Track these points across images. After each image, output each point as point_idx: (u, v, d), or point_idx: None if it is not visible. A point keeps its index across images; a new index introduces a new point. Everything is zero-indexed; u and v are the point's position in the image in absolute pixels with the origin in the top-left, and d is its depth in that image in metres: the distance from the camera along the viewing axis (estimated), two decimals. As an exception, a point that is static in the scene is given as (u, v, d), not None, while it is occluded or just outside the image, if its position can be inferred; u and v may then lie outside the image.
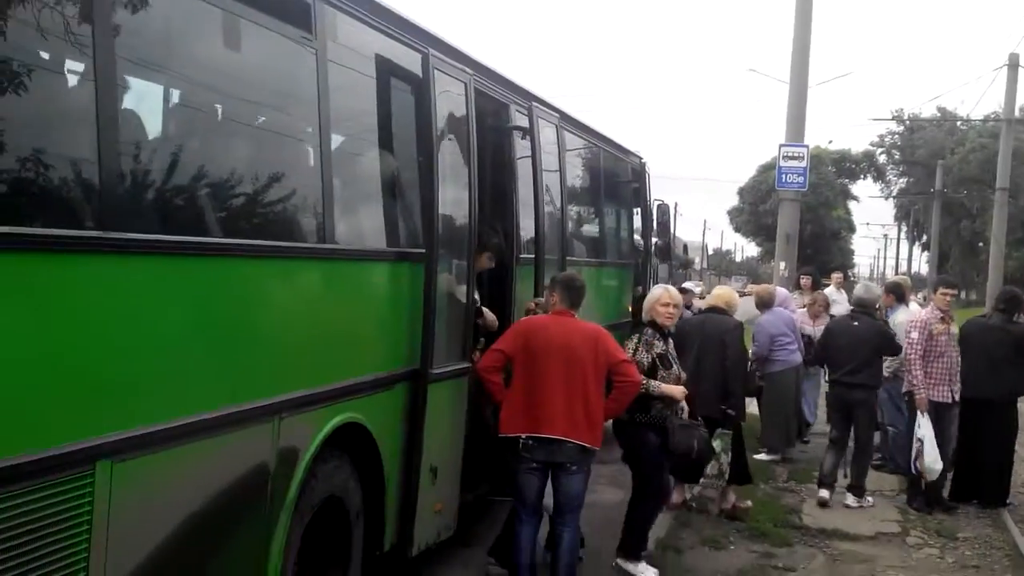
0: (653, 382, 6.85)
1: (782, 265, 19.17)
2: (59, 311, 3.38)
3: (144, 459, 3.73)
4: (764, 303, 11.12)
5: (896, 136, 61.04)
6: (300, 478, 4.85)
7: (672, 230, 14.41)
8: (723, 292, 9.08)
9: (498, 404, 6.38)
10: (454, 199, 6.58)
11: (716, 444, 8.08)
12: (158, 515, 3.91)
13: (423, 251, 6.03)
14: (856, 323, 9.61)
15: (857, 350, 9.37)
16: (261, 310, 4.59)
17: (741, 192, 61.26)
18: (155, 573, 3.86)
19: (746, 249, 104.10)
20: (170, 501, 3.97)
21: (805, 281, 13.52)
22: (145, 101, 4.10)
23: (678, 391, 7.08)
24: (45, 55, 3.47)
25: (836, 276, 14.65)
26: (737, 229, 65.40)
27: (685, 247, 22.12)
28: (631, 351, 6.91)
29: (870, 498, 9.48)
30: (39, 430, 3.30)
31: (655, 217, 13.36)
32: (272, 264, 4.73)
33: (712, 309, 8.85)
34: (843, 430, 9.48)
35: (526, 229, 8.04)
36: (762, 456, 10.95)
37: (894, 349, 9.62)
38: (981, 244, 52.53)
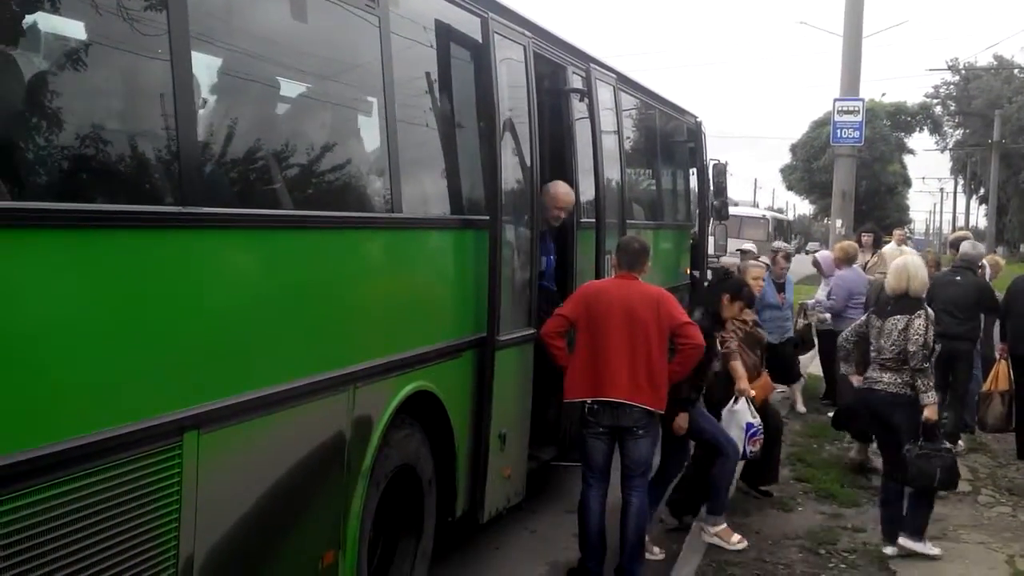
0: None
1: (838, 223, 18.93)
2: (143, 287, 3.44)
3: (229, 430, 3.80)
4: (847, 259, 11.22)
5: (952, 87, 59.84)
6: (375, 446, 4.90)
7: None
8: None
9: (563, 369, 6.38)
10: (516, 164, 6.56)
11: None
12: (243, 484, 3.97)
13: (487, 218, 6.03)
14: (958, 278, 9.65)
15: (959, 304, 9.36)
16: (334, 281, 4.62)
17: (794, 149, 60.57)
18: (241, 541, 3.94)
19: (799, 207, 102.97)
20: (254, 471, 4.04)
21: (866, 239, 13.32)
22: (213, 76, 4.12)
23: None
24: (117, 31, 3.49)
25: (898, 233, 14.41)
26: (790, 187, 64.70)
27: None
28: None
29: (961, 443, 9.50)
30: (130, 403, 3.36)
31: (711, 177, 13.23)
32: (343, 235, 4.76)
33: None
34: (942, 382, 9.24)
35: (586, 193, 7.99)
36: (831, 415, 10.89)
37: (995, 306, 9.58)
38: (1041, 195, 51.50)
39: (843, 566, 6.64)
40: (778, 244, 12.45)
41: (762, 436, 7.25)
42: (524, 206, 6.61)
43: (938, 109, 60.90)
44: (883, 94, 57.24)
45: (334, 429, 4.59)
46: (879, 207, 55.52)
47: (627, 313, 6.18)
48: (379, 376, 4.92)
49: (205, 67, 3.91)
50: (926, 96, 60.79)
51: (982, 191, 63.04)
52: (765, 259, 10.75)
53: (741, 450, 7.16)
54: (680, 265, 11.79)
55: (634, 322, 6.17)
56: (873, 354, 6.98)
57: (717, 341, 6.98)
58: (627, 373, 6.13)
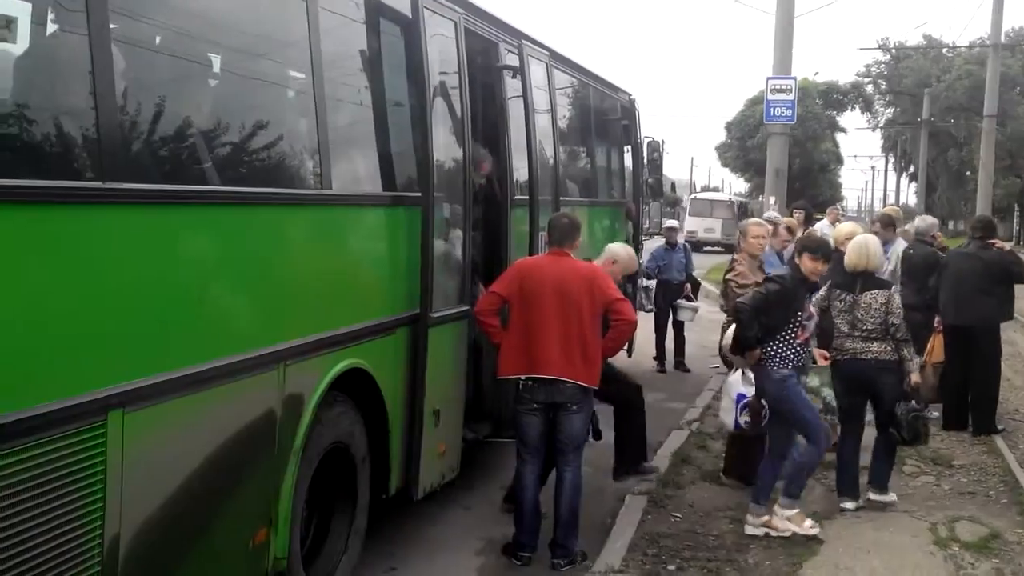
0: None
1: (772, 200, 19.18)
2: (66, 263, 3.38)
3: (156, 408, 3.76)
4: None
5: (883, 66, 60.73)
6: (307, 424, 4.88)
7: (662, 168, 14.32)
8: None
9: (497, 346, 6.41)
10: (448, 141, 6.55)
11: (815, 379, 7.84)
12: (170, 464, 3.94)
13: (419, 195, 6.01)
14: (912, 251, 10.27)
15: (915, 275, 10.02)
16: (263, 258, 4.59)
17: (728, 127, 61.03)
18: (169, 520, 3.91)
19: (734, 185, 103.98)
20: (182, 449, 4.01)
21: (797, 215, 13.48)
22: (136, 50, 4.04)
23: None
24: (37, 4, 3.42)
25: (832, 211, 14.54)
26: (725, 165, 65.30)
27: (673, 185, 22.10)
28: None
29: None
30: (52, 381, 3.31)
31: (646, 154, 13.31)
32: (271, 211, 4.72)
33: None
34: None
35: (519, 170, 8.00)
36: None
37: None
38: (968, 173, 52.61)
39: (773, 537, 6.76)
40: (773, 215, 12.67)
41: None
42: (456, 183, 6.61)
43: (869, 88, 61.80)
44: (816, 73, 58.05)
45: (264, 407, 4.56)
46: (812, 185, 56.28)
47: (560, 290, 6.21)
48: (310, 354, 4.90)
49: (123, 40, 3.83)
50: (857, 75, 61.67)
51: (912, 169, 64.26)
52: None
53: (732, 422, 7.31)
54: (615, 242, 11.83)
55: (567, 299, 6.20)
56: (847, 328, 7.29)
57: (809, 305, 7.02)
58: (560, 350, 6.16)
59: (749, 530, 6.76)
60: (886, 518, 7.18)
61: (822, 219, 14.39)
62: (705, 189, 72.28)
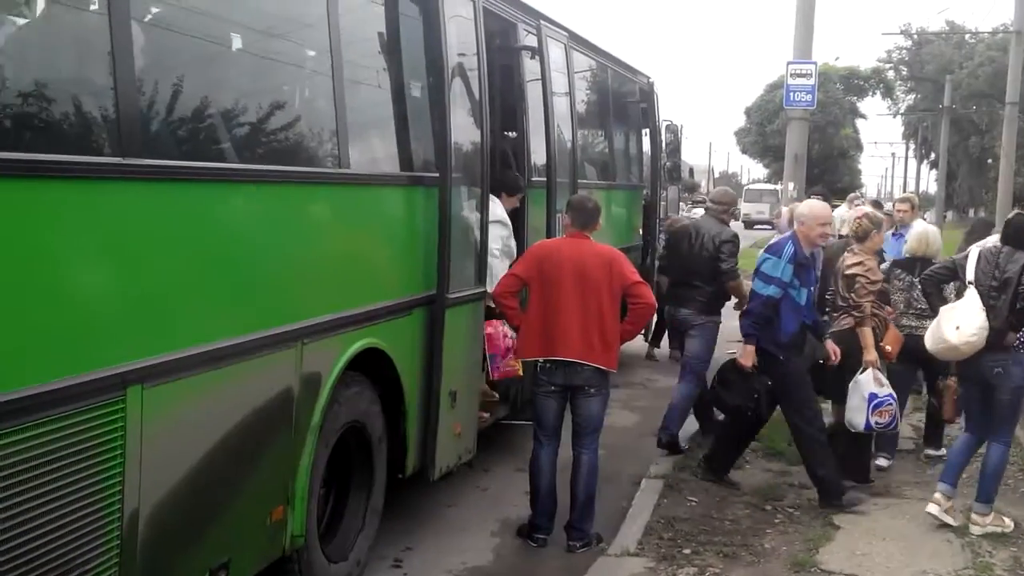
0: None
1: (791, 186, 19.05)
2: (86, 238, 3.40)
3: (174, 384, 3.77)
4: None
5: (904, 51, 60.23)
6: (324, 403, 4.89)
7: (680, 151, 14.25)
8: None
9: (516, 328, 6.41)
10: (466, 122, 6.53)
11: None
12: (189, 440, 3.96)
13: (436, 175, 6.00)
14: None
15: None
16: (282, 237, 4.59)
17: (748, 112, 60.79)
18: (187, 496, 3.93)
19: (753, 171, 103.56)
20: (200, 426, 4.02)
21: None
22: (157, 30, 4.04)
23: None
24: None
25: (854, 196, 14.43)
26: (744, 150, 65.08)
27: (691, 170, 22.06)
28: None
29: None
30: (72, 356, 3.32)
31: (664, 138, 13.25)
32: (291, 190, 4.72)
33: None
34: None
35: (537, 152, 7.99)
36: None
37: None
38: (990, 161, 52.15)
39: (788, 521, 6.75)
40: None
41: (891, 405, 7.26)
42: (474, 164, 6.59)
43: (890, 74, 61.35)
44: (836, 58, 57.74)
45: (282, 385, 4.57)
46: (831, 171, 56.07)
47: (579, 272, 6.19)
48: (328, 333, 4.90)
49: (144, 20, 3.83)
50: (879, 61, 61.16)
51: (932, 156, 63.81)
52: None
53: (864, 422, 7.24)
54: (632, 226, 11.82)
55: (586, 281, 6.18)
56: (903, 305, 7.98)
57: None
58: (579, 332, 6.15)
59: (976, 530, 6.60)
60: (903, 505, 7.15)
61: (840, 205, 14.28)
62: (723, 175, 72.36)
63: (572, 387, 6.24)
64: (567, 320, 6.16)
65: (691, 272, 8.48)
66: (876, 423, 7.26)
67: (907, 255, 8.17)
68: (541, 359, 6.25)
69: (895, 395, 7.33)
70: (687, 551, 6.14)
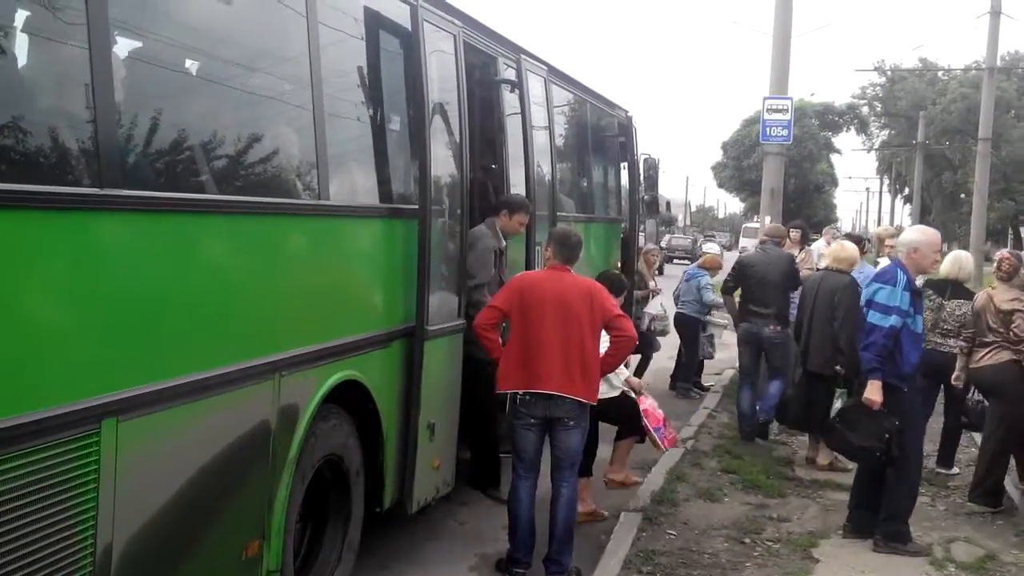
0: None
1: (767, 220, 19.18)
2: (59, 269, 3.36)
3: (150, 417, 3.73)
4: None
5: (878, 88, 61.00)
6: (301, 436, 4.85)
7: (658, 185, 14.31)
8: (838, 252, 9.05)
9: (496, 361, 6.38)
10: (446, 155, 6.54)
11: (837, 404, 8.00)
12: (164, 473, 3.91)
13: (416, 207, 6.00)
14: None
15: None
16: (259, 268, 4.57)
17: (724, 147, 61.29)
18: (161, 530, 3.88)
19: (729, 205, 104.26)
20: (176, 459, 3.97)
21: (794, 234, 13.45)
22: (137, 61, 4.02)
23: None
24: (40, 19, 3.40)
25: (830, 230, 14.54)
26: (720, 185, 65.56)
27: (668, 204, 22.19)
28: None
29: None
30: (46, 388, 3.28)
31: (642, 172, 13.31)
32: (269, 221, 4.70)
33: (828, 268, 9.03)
34: None
35: (516, 185, 8.00)
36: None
37: None
38: (963, 196, 52.79)
39: (767, 555, 6.73)
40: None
41: None
42: (454, 197, 6.60)
43: (865, 110, 62.08)
44: (812, 94, 58.14)
45: (259, 418, 4.53)
46: (807, 205, 56.55)
47: (560, 305, 6.19)
48: (305, 365, 4.87)
49: (125, 51, 3.82)
50: (853, 97, 61.98)
51: (907, 191, 64.43)
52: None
53: None
54: (610, 259, 11.85)
55: (567, 314, 6.18)
56: (929, 324, 8.38)
57: None
58: (560, 365, 6.14)
59: None
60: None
61: (818, 239, 14.36)
62: (700, 208, 72.84)
63: (552, 419, 6.22)
64: (548, 353, 6.14)
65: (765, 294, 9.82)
66: None
67: (941, 277, 8.85)
68: (521, 391, 6.22)
69: None
70: (666, 585, 6.11)
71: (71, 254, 3.40)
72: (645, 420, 7.54)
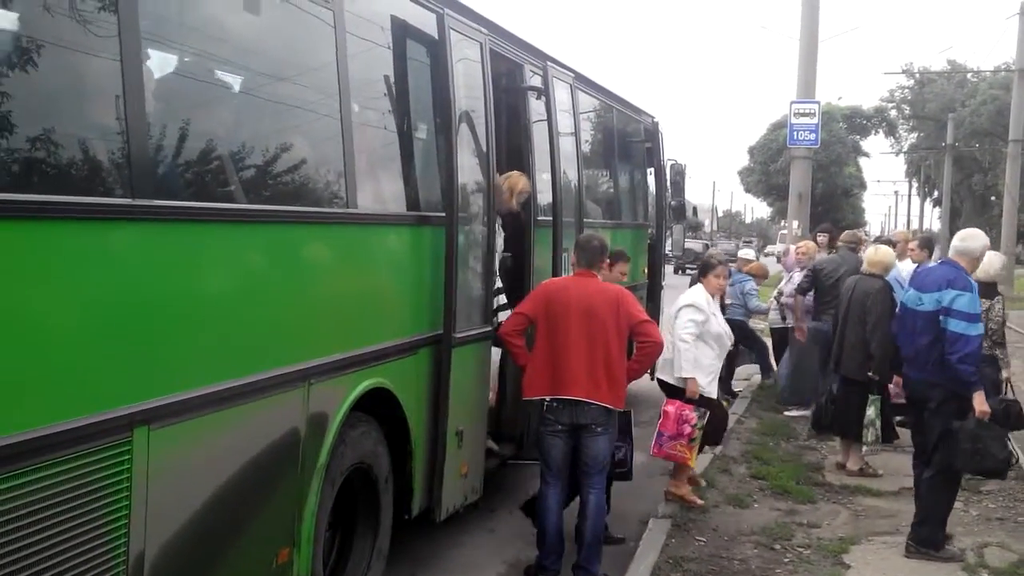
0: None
1: (795, 224, 19.12)
2: (94, 279, 3.40)
3: (181, 425, 3.76)
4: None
5: (906, 90, 60.52)
6: (330, 443, 4.87)
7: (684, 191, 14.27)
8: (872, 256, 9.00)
9: (522, 367, 6.39)
10: (473, 162, 6.56)
11: (870, 411, 8.27)
12: (195, 481, 3.94)
13: (443, 215, 6.01)
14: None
15: None
16: (289, 276, 4.60)
17: (751, 151, 61.00)
18: (193, 538, 3.91)
19: (756, 210, 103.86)
20: (206, 467, 4.00)
21: (821, 239, 13.41)
22: (167, 73, 4.07)
23: None
24: (71, 30, 3.44)
25: (856, 234, 14.51)
26: (747, 190, 65.25)
27: (695, 209, 22.12)
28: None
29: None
30: (79, 397, 3.32)
31: (669, 177, 13.28)
32: (298, 230, 4.73)
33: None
34: None
35: (543, 191, 8.00)
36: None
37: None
38: (993, 198, 52.26)
39: (798, 561, 6.69)
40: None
41: None
42: (481, 204, 6.61)
43: (893, 112, 61.61)
44: (839, 97, 58.05)
45: (289, 426, 4.55)
46: (835, 209, 56.20)
47: (586, 311, 6.19)
48: (334, 372, 4.89)
49: (156, 62, 3.86)
50: (881, 100, 61.48)
51: (936, 194, 63.94)
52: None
53: None
54: (638, 264, 11.83)
55: (593, 320, 6.18)
56: None
57: None
58: (586, 371, 6.14)
59: None
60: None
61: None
62: (727, 214, 72.62)
63: (579, 426, 6.21)
64: (574, 359, 6.14)
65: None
66: None
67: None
68: (548, 398, 6.22)
69: None
70: (696, 592, 6.09)
71: (104, 264, 3.44)
72: (660, 420, 7.46)
